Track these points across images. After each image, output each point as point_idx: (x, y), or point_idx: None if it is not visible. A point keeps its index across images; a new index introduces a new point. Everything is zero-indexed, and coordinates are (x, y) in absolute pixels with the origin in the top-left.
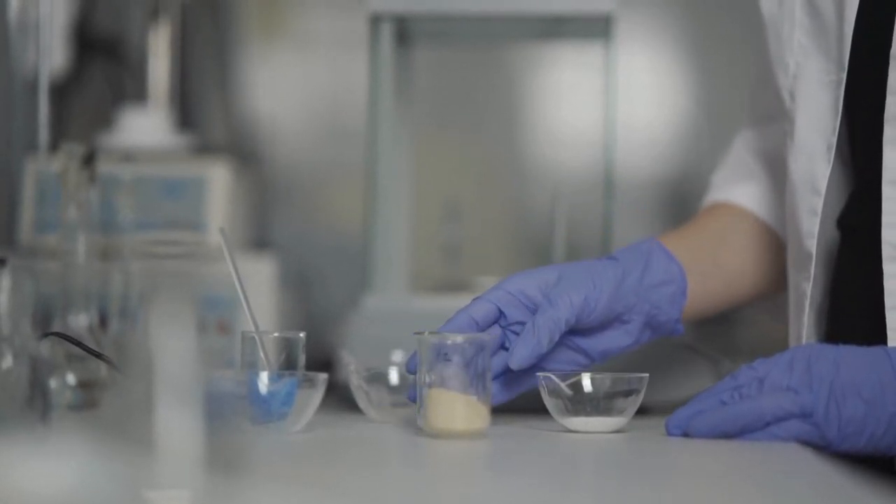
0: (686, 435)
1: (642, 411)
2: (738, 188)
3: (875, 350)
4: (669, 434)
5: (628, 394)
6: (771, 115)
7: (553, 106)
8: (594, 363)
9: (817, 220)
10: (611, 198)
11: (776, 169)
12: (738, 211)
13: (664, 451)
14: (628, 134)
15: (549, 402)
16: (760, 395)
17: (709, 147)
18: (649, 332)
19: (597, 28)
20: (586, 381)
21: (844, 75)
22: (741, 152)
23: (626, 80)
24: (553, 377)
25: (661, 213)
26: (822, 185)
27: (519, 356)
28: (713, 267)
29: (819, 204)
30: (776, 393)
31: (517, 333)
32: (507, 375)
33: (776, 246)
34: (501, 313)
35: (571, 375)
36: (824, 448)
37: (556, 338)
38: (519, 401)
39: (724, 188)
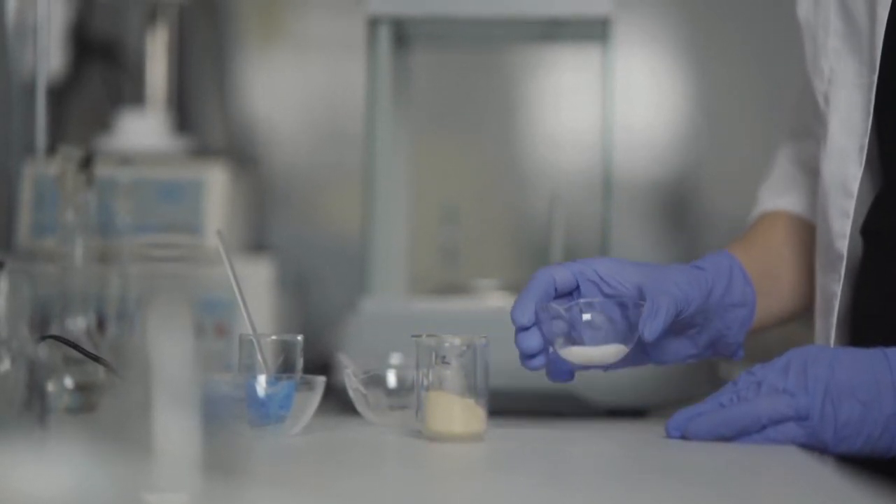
0: (685, 437)
1: (642, 413)
2: (786, 197)
3: (873, 352)
4: (669, 436)
5: (627, 323)
6: (810, 129)
7: (551, 108)
8: (650, 363)
9: (849, 222)
10: (609, 200)
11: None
12: (790, 218)
13: (663, 453)
14: (626, 136)
15: (548, 332)
16: (757, 397)
17: (707, 148)
18: (712, 350)
19: (594, 30)
20: (586, 312)
21: (876, 77)
22: (785, 164)
23: (624, 83)
24: (553, 305)
25: (660, 215)
26: (854, 186)
27: (652, 328)
28: (773, 286)
29: (851, 205)
30: (772, 396)
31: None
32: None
33: None
34: (578, 288)
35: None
36: (821, 450)
37: (671, 320)
38: (517, 403)
39: (773, 198)
